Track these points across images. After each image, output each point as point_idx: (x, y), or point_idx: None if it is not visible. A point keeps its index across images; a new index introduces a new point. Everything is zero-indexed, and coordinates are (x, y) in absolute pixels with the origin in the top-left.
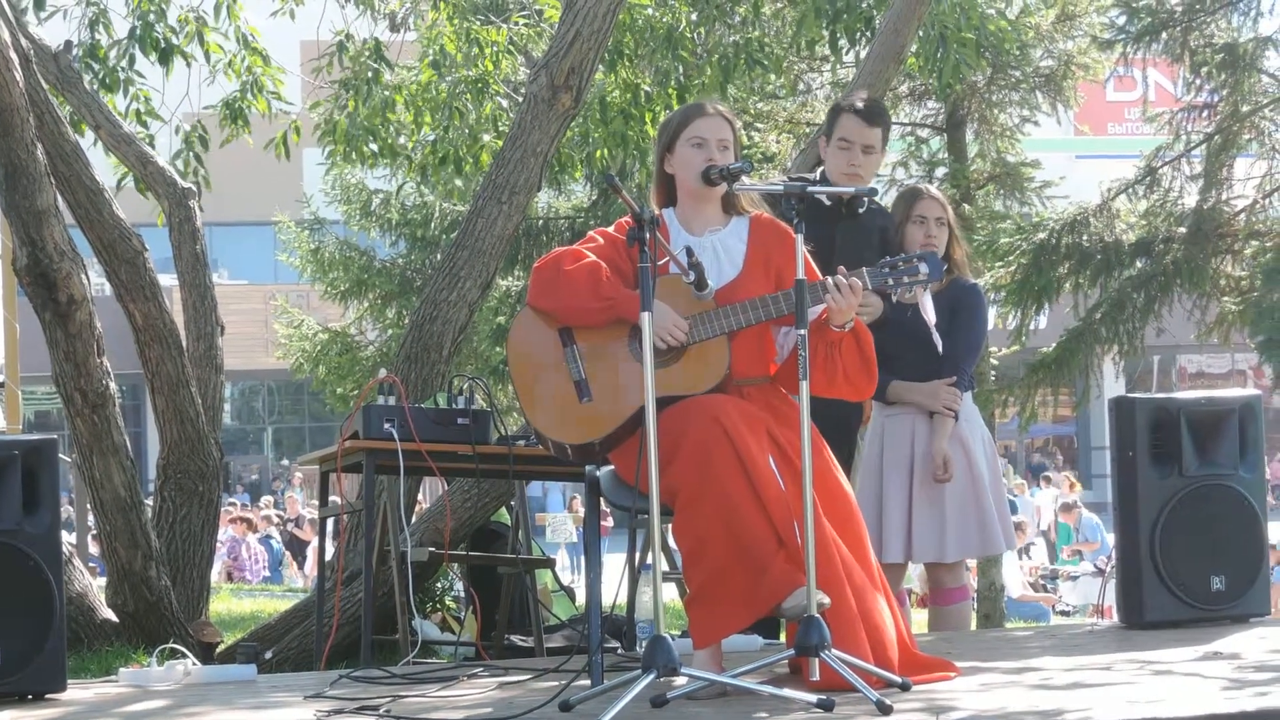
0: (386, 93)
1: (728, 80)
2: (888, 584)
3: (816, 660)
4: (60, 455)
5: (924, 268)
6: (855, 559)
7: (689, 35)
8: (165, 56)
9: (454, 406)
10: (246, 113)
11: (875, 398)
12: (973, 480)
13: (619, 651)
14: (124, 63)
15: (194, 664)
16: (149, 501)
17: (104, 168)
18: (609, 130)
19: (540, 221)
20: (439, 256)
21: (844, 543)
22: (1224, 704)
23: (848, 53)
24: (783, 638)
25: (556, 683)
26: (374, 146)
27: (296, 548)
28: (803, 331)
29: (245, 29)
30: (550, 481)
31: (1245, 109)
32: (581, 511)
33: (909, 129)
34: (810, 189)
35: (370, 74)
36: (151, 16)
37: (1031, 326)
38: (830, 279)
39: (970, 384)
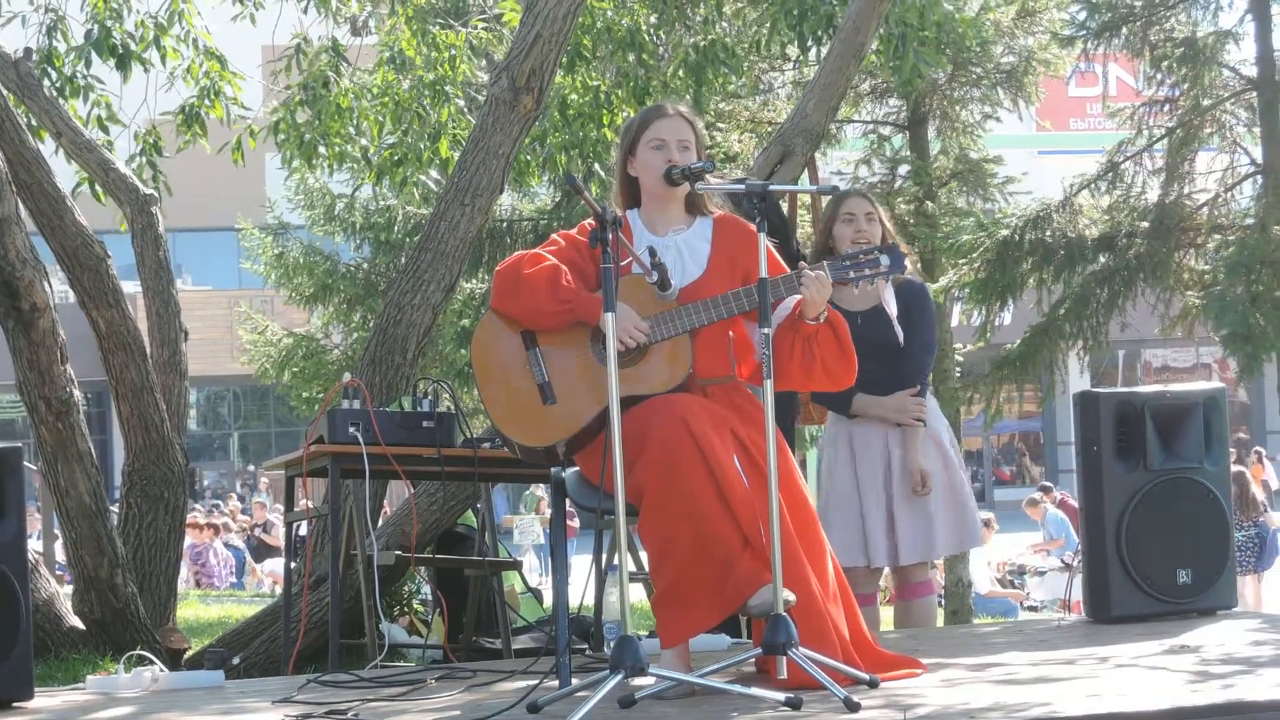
0: (348, 96)
1: (700, 84)
2: (848, 586)
3: (784, 658)
4: (25, 463)
5: (885, 260)
6: (812, 565)
7: (648, 37)
8: (123, 62)
9: (419, 409)
10: (204, 118)
11: (840, 412)
12: (950, 477)
13: (587, 652)
14: (80, 67)
15: (161, 670)
16: (115, 508)
17: (65, 175)
18: (571, 132)
19: (503, 224)
20: (402, 260)
21: (803, 547)
22: (1190, 697)
23: (810, 49)
24: (745, 636)
25: (525, 684)
26: (343, 148)
27: (263, 553)
28: (766, 330)
29: (197, 34)
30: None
31: (1206, 103)
32: (548, 513)
33: (871, 127)
34: (772, 187)
35: (328, 76)
36: (109, 21)
37: (996, 323)
38: (796, 272)
39: (928, 384)
